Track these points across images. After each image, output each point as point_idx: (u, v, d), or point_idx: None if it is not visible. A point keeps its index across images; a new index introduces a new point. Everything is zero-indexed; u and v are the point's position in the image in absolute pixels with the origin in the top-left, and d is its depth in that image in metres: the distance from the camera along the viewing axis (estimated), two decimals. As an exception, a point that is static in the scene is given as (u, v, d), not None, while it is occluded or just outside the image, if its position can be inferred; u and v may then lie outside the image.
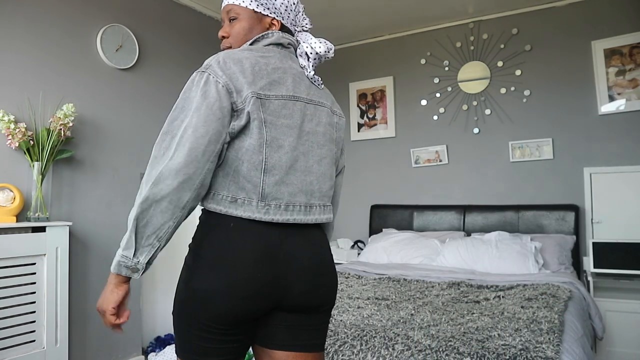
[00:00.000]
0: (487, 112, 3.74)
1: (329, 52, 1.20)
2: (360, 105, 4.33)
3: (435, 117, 3.95)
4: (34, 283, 2.33)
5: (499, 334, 1.79)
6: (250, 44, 1.18)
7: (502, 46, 3.69)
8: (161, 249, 1.03)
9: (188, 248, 1.11)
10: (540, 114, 3.55)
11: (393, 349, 1.70)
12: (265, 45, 1.17)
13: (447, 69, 3.91)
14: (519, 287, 2.59)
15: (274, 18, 1.21)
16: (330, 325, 1.94)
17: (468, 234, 3.62)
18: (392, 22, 3.93)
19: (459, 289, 2.63)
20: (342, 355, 1.73)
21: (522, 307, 2.18)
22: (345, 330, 1.87)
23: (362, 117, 4.31)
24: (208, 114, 1.01)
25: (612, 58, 3.29)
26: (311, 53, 1.19)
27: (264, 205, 1.06)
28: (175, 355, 1.13)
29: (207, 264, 1.04)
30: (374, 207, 4.12)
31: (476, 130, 3.78)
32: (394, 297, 2.48)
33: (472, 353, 1.62)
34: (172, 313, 1.11)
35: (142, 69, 3.14)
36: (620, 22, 3.28)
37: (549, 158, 3.49)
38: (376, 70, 4.25)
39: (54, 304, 2.38)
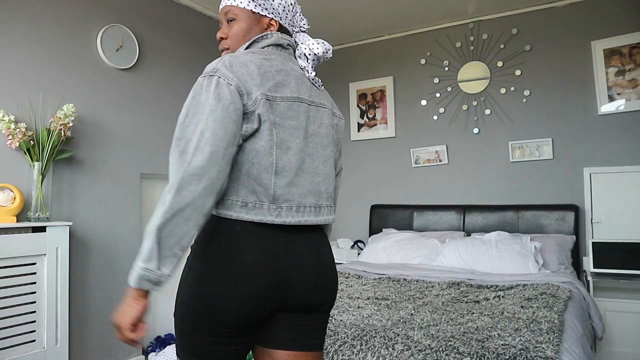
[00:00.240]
0: (487, 112, 3.74)
1: (327, 52, 1.20)
2: (360, 105, 4.33)
3: (435, 117, 3.95)
4: (34, 283, 2.33)
5: (498, 334, 1.79)
6: (249, 45, 1.17)
7: (502, 46, 3.69)
8: (182, 258, 1.00)
9: (190, 249, 1.10)
10: (540, 114, 3.55)
11: (393, 349, 1.70)
12: (265, 47, 1.17)
13: (447, 69, 3.91)
14: (518, 287, 2.59)
15: (272, 18, 1.20)
16: (330, 325, 1.95)
17: (468, 234, 3.62)
18: (392, 22, 3.93)
19: (458, 288, 2.64)
20: (342, 355, 1.74)
21: (522, 307, 2.19)
22: (345, 330, 1.87)
23: (362, 117, 4.31)
24: (224, 116, 1.00)
25: (611, 58, 3.30)
26: (309, 54, 1.19)
27: (275, 208, 1.06)
28: (176, 356, 1.13)
29: (213, 268, 1.03)
30: (374, 207, 4.12)
31: (476, 130, 3.78)
32: (394, 297, 2.49)
33: (472, 353, 1.62)
34: (174, 315, 1.10)
35: (142, 69, 3.14)
36: (620, 22, 3.28)
37: (549, 158, 3.50)
38: (376, 70, 4.25)
39: (54, 304, 2.38)
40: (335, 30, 4.08)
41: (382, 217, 4.05)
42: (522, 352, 1.59)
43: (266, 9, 1.20)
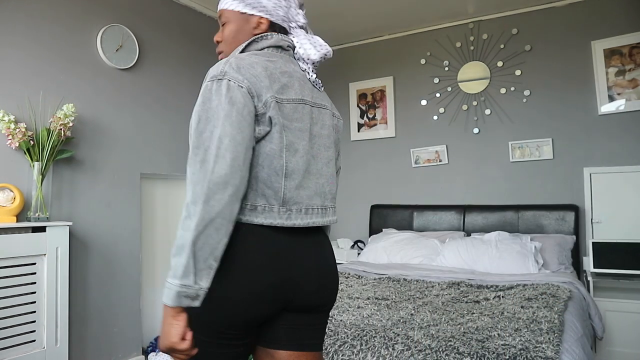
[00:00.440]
0: (487, 112, 3.74)
1: (325, 56, 1.19)
2: (360, 105, 4.33)
3: (435, 117, 3.95)
4: (34, 283, 2.33)
5: (498, 334, 1.79)
6: (246, 46, 1.15)
7: (502, 46, 3.69)
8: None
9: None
10: (540, 114, 3.55)
11: (393, 349, 1.70)
12: (264, 48, 1.16)
13: (447, 69, 3.91)
14: (518, 287, 2.59)
15: (261, 17, 1.18)
16: (330, 325, 1.95)
17: (468, 234, 3.62)
18: (392, 22, 3.93)
19: (458, 288, 2.64)
20: (342, 355, 1.73)
21: (522, 307, 2.18)
22: (345, 330, 1.87)
23: (362, 117, 4.31)
24: (240, 120, 0.98)
25: (612, 58, 3.30)
26: (308, 59, 1.18)
27: (285, 211, 1.06)
28: None
29: (220, 271, 1.02)
30: (374, 207, 4.12)
31: (476, 130, 3.78)
32: (394, 297, 2.48)
33: (472, 353, 1.62)
34: None
35: (142, 69, 3.14)
36: (620, 22, 3.28)
37: (549, 158, 3.50)
38: (376, 70, 4.25)
39: (54, 304, 2.38)
40: (335, 30, 4.08)
41: (382, 217, 4.05)
42: (522, 352, 1.59)
43: (254, 8, 1.18)
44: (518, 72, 3.62)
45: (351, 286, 2.79)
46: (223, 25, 1.22)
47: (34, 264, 2.33)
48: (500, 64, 3.69)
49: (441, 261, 3.25)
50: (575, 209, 3.33)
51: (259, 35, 1.17)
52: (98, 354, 2.79)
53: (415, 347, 1.69)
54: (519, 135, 3.62)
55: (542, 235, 3.29)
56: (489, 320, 1.98)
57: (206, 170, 0.95)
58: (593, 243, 3.08)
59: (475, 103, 3.80)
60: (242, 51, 1.15)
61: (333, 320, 2.03)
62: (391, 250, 3.51)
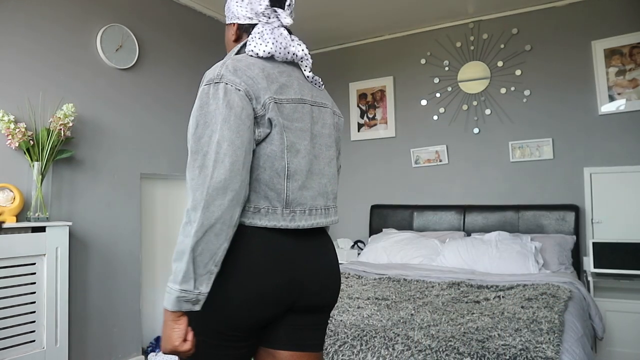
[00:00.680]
0: (487, 112, 3.74)
1: (275, 50, 1.10)
2: (360, 105, 4.32)
3: (435, 117, 3.95)
4: (34, 283, 2.33)
5: (499, 334, 1.79)
6: (242, 48, 1.16)
7: (502, 46, 3.69)
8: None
9: None
10: (541, 114, 3.55)
11: (393, 349, 1.70)
12: None
13: (447, 69, 3.91)
14: (519, 287, 2.58)
15: (233, 23, 1.19)
16: (330, 325, 1.94)
17: (468, 234, 3.62)
18: (392, 22, 3.93)
19: (459, 289, 2.63)
20: (342, 355, 1.73)
21: (522, 307, 2.18)
22: (345, 330, 1.87)
23: (362, 117, 4.31)
24: (238, 124, 0.98)
25: (612, 58, 3.29)
26: (257, 55, 1.11)
27: (289, 212, 1.05)
28: (178, 358, 1.13)
29: (224, 273, 1.02)
30: (374, 207, 4.12)
31: (476, 130, 3.78)
32: (394, 297, 2.48)
33: (472, 353, 1.61)
34: None
35: (142, 69, 3.14)
36: (620, 22, 3.28)
37: (549, 158, 3.49)
38: (376, 70, 4.25)
39: (54, 304, 2.38)
40: (335, 30, 4.08)
41: (382, 217, 4.05)
42: (522, 352, 1.59)
43: (229, 17, 1.20)
44: (518, 72, 3.62)
45: (351, 286, 2.78)
46: None
47: (34, 264, 2.33)
48: (500, 63, 3.69)
49: (441, 261, 3.25)
50: (576, 209, 3.33)
51: (244, 42, 1.17)
52: (98, 354, 2.79)
53: (416, 347, 1.69)
54: (519, 135, 3.62)
55: (543, 236, 3.28)
56: (489, 321, 1.98)
57: (205, 176, 0.94)
58: (593, 243, 3.08)
59: (475, 103, 3.79)
60: (238, 52, 1.15)
61: (333, 321, 2.02)
62: (391, 251, 3.51)
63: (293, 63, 1.17)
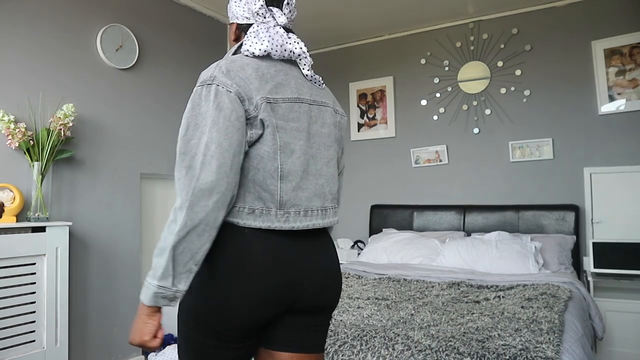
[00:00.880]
0: (487, 112, 3.74)
1: (269, 47, 1.09)
2: (360, 105, 4.32)
3: (435, 117, 3.95)
4: (34, 283, 2.33)
5: (499, 334, 1.79)
6: (239, 47, 1.16)
7: (502, 46, 3.69)
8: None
9: None
10: (541, 114, 3.55)
11: (393, 349, 1.70)
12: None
13: (447, 69, 3.91)
14: (519, 287, 2.58)
15: (233, 22, 1.20)
16: (330, 326, 1.94)
17: (468, 234, 3.62)
18: (392, 22, 3.93)
19: (459, 289, 2.63)
20: (342, 355, 1.73)
21: (522, 307, 2.18)
22: (345, 330, 1.87)
23: (362, 117, 4.31)
24: (227, 126, 0.98)
25: (612, 58, 3.29)
26: (252, 54, 1.11)
27: (283, 214, 1.05)
28: (178, 357, 1.12)
29: (222, 273, 1.02)
30: (374, 207, 4.12)
31: (476, 130, 3.78)
32: (394, 297, 2.48)
33: (472, 353, 1.61)
34: (179, 319, 1.09)
35: (142, 69, 3.14)
36: (620, 22, 3.28)
37: (549, 158, 3.49)
38: (376, 70, 4.25)
39: (54, 304, 2.38)
40: (335, 30, 4.08)
41: (382, 217, 4.05)
42: (522, 352, 1.59)
43: (230, 17, 1.21)
44: (518, 72, 3.62)
45: (351, 286, 2.78)
46: None
47: (34, 264, 2.33)
48: (500, 63, 3.69)
49: (441, 261, 3.25)
50: (576, 209, 3.33)
51: (241, 42, 1.17)
52: (98, 354, 2.79)
53: (416, 347, 1.69)
54: (519, 135, 3.62)
55: (542, 235, 3.28)
56: (489, 321, 1.98)
57: (192, 177, 0.95)
58: (593, 243, 3.08)
59: (475, 103, 3.79)
60: (235, 52, 1.16)
61: (333, 321, 2.02)
62: (391, 250, 3.51)
63: (291, 61, 1.16)
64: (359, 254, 3.94)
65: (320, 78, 1.20)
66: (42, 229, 2.37)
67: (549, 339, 1.71)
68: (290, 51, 1.12)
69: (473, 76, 3.80)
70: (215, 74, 1.03)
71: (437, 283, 2.76)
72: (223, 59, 1.08)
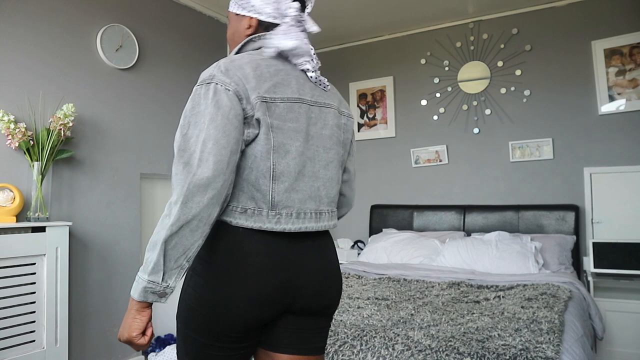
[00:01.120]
0: (487, 112, 3.74)
1: (299, 44, 1.10)
2: (360, 105, 4.33)
3: (435, 117, 3.95)
4: (34, 283, 2.33)
5: (499, 334, 1.79)
6: (243, 46, 1.15)
7: (502, 46, 3.69)
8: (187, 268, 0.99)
9: None
10: (541, 114, 3.55)
11: (393, 349, 1.70)
12: (260, 47, 1.13)
13: (447, 69, 3.91)
14: (519, 287, 2.58)
15: (251, 17, 1.16)
16: (330, 327, 1.94)
17: (468, 234, 3.62)
18: (392, 22, 3.93)
19: (459, 289, 2.63)
20: (342, 355, 1.73)
21: (522, 307, 2.18)
22: (345, 330, 1.87)
23: (362, 117, 4.31)
24: (225, 123, 0.98)
25: (612, 58, 3.29)
26: (284, 51, 1.11)
27: (274, 215, 1.04)
28: (177, 357, 1.12)
29: (219, 273, 1.02)
30: (374, 207, 4.12)
31: (476, 130, 3.78)
32: (394, 297, 2.48)
33: (472, 353, 1.61)
34: (178, 319, 1.08)
35: (142, 69, 3.14)
36: (620, 22, 3.28)
37: (549, 158, 3.49)
38: (376, 70, 4.25)
39: (54, 304, 2.38)
40: (335, 30, 4.08)
41: (382, 217, 4.05)
42: (522, 352, 1.59)
43: (244, 8, 1.16)
44: (518, 72, 3.62)
45: (351, 286, 2.78)
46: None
47: (34, 264, 2.33)
48: (500, 63, 3.69)
49: (441, 261, 3.25)
50: (576, 209, 3.33)
51: (256, 35, 1.15)
52: (98, 354, 2.79)
53: (416, 347, 1.69)
54: (519, 135, 3.62)
55: (542, 236, 3.28)
56: (489, 321, 1.98)
57: (188, 173, 0.95)
58: (593, 243, 3.08)
59: (475, 103, 3.79)
60: (238, 51, 1.15)
61: (333, 321, 2.02)
62: (391, 251, 3.51)
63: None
64: (359, 254, 3.94)
65: (326, 80, 1.18)
66: (42, 229, 2.37)
67: (549, 339, 1.71)
68: (303, 65, 1.12)
69: (473, 76, 3.80)
70: (214, 72, 1.03)
71: (437, 283, 2.76)
72: (223, 59, 1.08)
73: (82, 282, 2.72)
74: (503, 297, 2.42)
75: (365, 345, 1.76)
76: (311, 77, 1.14)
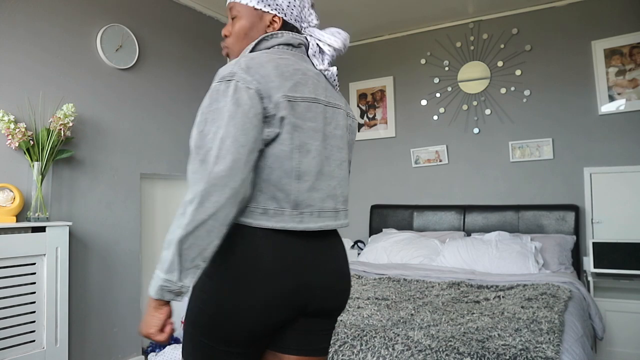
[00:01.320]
0: (487, 112, 3.74)
1: (345, 44, 1.18)
2: (360, 105, 4.33)
3: (435, 117, 3.95)
4: (34, 283, 2.33)
5: (499, 334, 1.79)
6: (256, 45, 1.12)
7: (502, 46, 3.69)
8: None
9: None
10: (541, 114, 3.55)
11: (393, 349, 1.70)
12: (274, 46, 1.12)
13: (447, 69, 3.91)
14: (519, 287, 2.58)
15: (276, 15, 1.15)
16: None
17: (468, 234, 3.62)
18: (392, 22, 3.93)
19: (459, 289, 2.63)
20: (342, 355, 1.73)
21: (522, 307, 2.18)
22: (345, 330, 1.87)
23: (362, 117, 4.31)
24: (245, 121, 0.95)
25: (612, 58, 3.29)
26: (329, 50, 1.16)
27: (297, 214, 1.03)
28: (182, 356, 1.11)
29: (234, 277, 1.00)
30: (374, 207, 4.12)
31: (476, 130, 3.78)
32: (394, 297, 2.48)
33: (472, 353, 1.61)
34: (187, 321, 1.07)
35: (142, 69, 3.14)
36: (620, 22, 3.28)
37: (549, 158, 3.49)
38: (376, 70, 4.25)
39: (54, 304, 2.38)
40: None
41: (382, 217, 4.05)
42: (522, 352, 1.59)
43: (269, 5, 1.14)
44: (518, 72, 3.62)
45: (351, 286, 2.78)
46: (233, 19, 1.17)
47: (34, 264, 2.33)
48: (500, 63, 3.69)
49: (441, 261, 3.25)
50: (576, 209, 3.33)
51: (269, 34, 1.13)
52: (98, 354, 2.79)
53: (416, 348, 1.69)
54: (519, 135, 3.62)
55: (542, 236, 3.28)
56: (489, 321, 1.98)
57: (205, 170, 0.92)
58: (593, 243, 3.08)
59: (475, 103, 3.79)
60: (252, 49, 1.12)
61: (333, 321, 2.02)
62: (391, 251, 3.51)
63: (306, 60, 1.15)
64: (359, 254, 3.94)
65: (337, 79, 1.19)
66: (42, 229, 2.37)
67: (549, 339, 1.71)
68: (321, 64, 1.17)
69: (473, 76, 3.80)
70: (235, 70, 1.00)
71: (437, 283, 2.76)
72: (243, 57, 1.05)
73: (82, 282, 2.72)
74: (503, 297, 2.42)
75: (365, 345, 1.76)
76: (327, 75, 1.16)
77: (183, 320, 3.45)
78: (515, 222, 3.49)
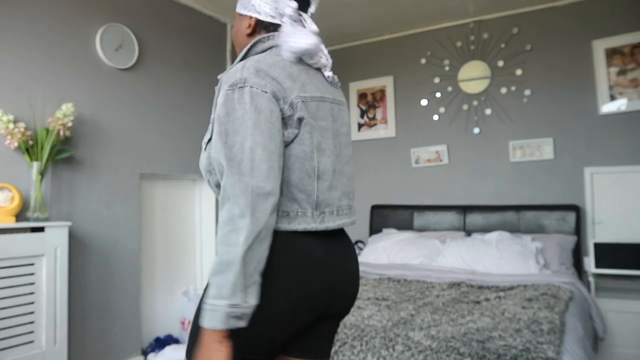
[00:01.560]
0: (488, 112, 3.73)
1: (311, 46, 1.07)
2: (360, 105, 4.32)
3: (436, 117, 3.95)
4: (33, 283, 2.32)
5: (499, 335, 1.78)
6: (251, 47, 1.11)
7: (502, 46, 3.68)
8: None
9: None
10: (541, 114, 3.54)
11: (393, 350, 1.70)
12: (270, 48, 1.11)
13: (447, 68, 3.90)
14: (519, 287, 2.58)
15: (251, 16, 1.14)
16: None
17: (468, 234, 3.61)
18: (392, 22, 3.92)
19: (459, 289, 2.63)
20: (342, 356, 1.73)
21: (522, 307, 2.18)
22: (345, 331, 1.86)
23: (362, 117, 4.30)
24: (270, 127, 0.94)
25: (613, 58, 3.29)
26: (292, 51, 1.12)
27: (319, 214, 1.02)
28: (185, 357, 1.08)
29: (262, 285, 0.96)
30: (374, 207, 4.12)
31: (476, 130, 3.77)
32: (394, 297, 2.48)
33: (472, 354, 1.61)
34: (197, 323, 1.03)
35: (142, 69, 3.13)
36: (621, 22, 3.27)
37: (550, 158, 3.49)
38: (376, 70, 4.24)
39: (53, 305, 2.37)
40: (335, 30, 4.07)
41: (383, 217, 4.04)
42: (523, 352, 1.58)
43: (245, 7, 1.14)
44: (519, 72, 3.61)
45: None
46: None
47: (33, 264, 2.32)
48: (500, 63, 3.68)
49: (442, 261, 3.24)
50: (576, 209, 3.32)
51: (265, 35, 1.12)
52: (97, 354, 2.78)
53: (416, 348, 1.68)
54: (519, 135, 3.61)
55: (543, 236, 3.28)
56: (489, 321, 1.97)
57: (243, 183, 0.90)
58: (594, 244, 3.07)
59: (475, 103, 3.79)
60: (247, 52, 1.12)
61: (333, 321, 2.02)
62: (391, 251, 3.51)
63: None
64: (359, 254, 3.93)
65: (337, 77, 1.18)
66: (41, 229, 2.36)
67: (550, 339, 1.70)
68: (318, 63, 1.11)
69: (473, 76, 3.79)
70: (245, 75, 0.98)
71: (438, 283, 2.76)
72: (247, 61, 1.03)
73: (82, 282, 2.72)
74: (503, 297, 2.41)
75: (366, 345, 1.75)
76: (328, 76, 1.14)
77: (182, 321, 3.43)
78: (515, 222, 3.48)
